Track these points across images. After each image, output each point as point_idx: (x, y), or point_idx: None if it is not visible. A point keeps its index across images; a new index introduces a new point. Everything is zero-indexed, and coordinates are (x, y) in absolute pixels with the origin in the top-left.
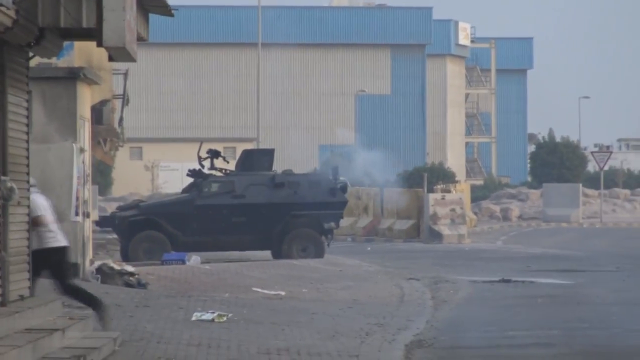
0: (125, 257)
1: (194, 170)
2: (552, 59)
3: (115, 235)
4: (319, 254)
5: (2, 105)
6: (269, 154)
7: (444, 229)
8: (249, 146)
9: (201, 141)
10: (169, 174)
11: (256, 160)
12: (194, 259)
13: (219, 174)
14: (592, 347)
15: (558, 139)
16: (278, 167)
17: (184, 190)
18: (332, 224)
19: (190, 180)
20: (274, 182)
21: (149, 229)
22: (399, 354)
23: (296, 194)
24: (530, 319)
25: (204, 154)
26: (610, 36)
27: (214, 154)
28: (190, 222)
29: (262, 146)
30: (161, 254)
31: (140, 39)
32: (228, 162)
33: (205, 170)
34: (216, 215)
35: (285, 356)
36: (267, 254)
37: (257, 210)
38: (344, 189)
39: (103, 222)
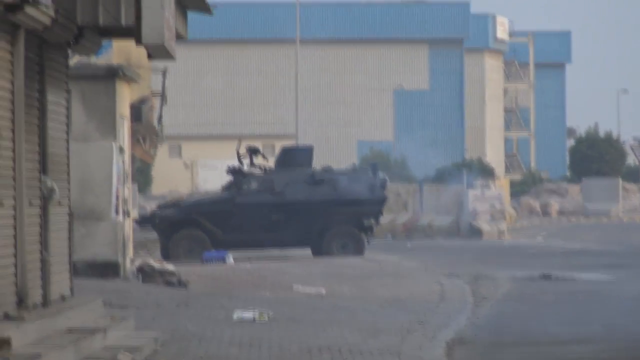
0: (166, 256)
1: (234, 167)
2: (591, 52)
3: (155, 235)
4: (359, 251)
5: (42, 105)
6: (307, 151)
7: (483, 225)
8: (288, 142)
9: (240, 138)
10: (208, 172)
11: (295, 157)
12: (238, 258)
13: (258, 171)
14: (632, 342)
15: (600, 133)
16: (317, 163)
17: (224, 188)
18: (372, 221)
19: (230, 177)
20: (313, 180)
21: (189, 227)
22: (440, 352)
23: (335, 191)
24: (571, 315)
25: (243, 152)
26: None
27: (253, 151)
28: (230, 220)
29: (300, 142)
30: (201, 252)
31: (179, 37)
32: (267, 160)
33: (245, 168)
34: (256, 213)
35: (327, 354)
36: (307, 251)
37: (297, 208)
38: (383, 185)
39: (143, 221)
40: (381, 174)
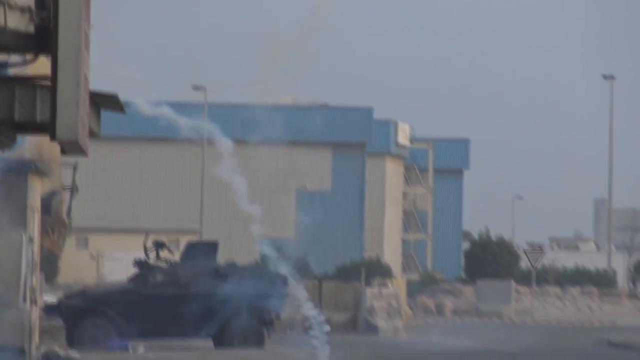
0: (71, 343)
1: (140, 260)
2: (488, 159)
3: (60, 322)
4: (260, 343)
5: None
6: (212, 246)
7: (380, 321)
8: (193, 237)
9: (147, 232)
10: (113, 263)
11: (200, 252)
12: (141, 347)
13: (164, 264)
14: None
15: (492, 237)
16: (220, 258)
17: (130, 280)
18: (274, 315)
19: (136, 269)
20: (217, 274)
21: (94, 316)
22: None
23: (238, 285)
24: None
25: (149, 245)
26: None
27: (159, 245)
28: (134, 310)
29: (205, 237)
30: (106, 340)
31: (91, 134)
32: (173, 254)
33: (151, 261)
34: (160, 304)
35: None
36: (209, 342)
37: (200, 300)
38: (285, 282)
39: (50, 309)
40: (283, 271)
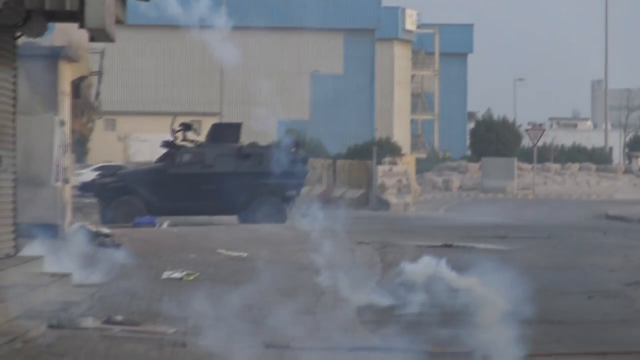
0: (105, 221)
1: (168, 141)
2: (491, 43)
3: (94, 199)
4: (281, 219)
5: None
6: (236, 127)
7: (391, 198)
8: (214, 120)
9: (174, 115)
10: (139, 144)
11: (225, 132)
12: (165, 223)
13: (190, 145)
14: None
15: (495, 118)
16: (241, 139)
17: (158, 160)
18: (294, 192)
19: (164, 150)
20: (241, 153)
21: (126, 194)
22: (351, 313)
23: (261, 164)
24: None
25: (177, 127)
26: (543, 21)
27: (186, 127)
28: (164, 189)
29: (225, 120)
30: (137, 217)
31: (118, 22)
32: (199, 135)
33: (178, 142)
34: (188, 183)
35: (248, 312)
36: (233, 218)
37: (225, 179)
38: (304, 160)
39: (85, 188)
40: (302, 150)
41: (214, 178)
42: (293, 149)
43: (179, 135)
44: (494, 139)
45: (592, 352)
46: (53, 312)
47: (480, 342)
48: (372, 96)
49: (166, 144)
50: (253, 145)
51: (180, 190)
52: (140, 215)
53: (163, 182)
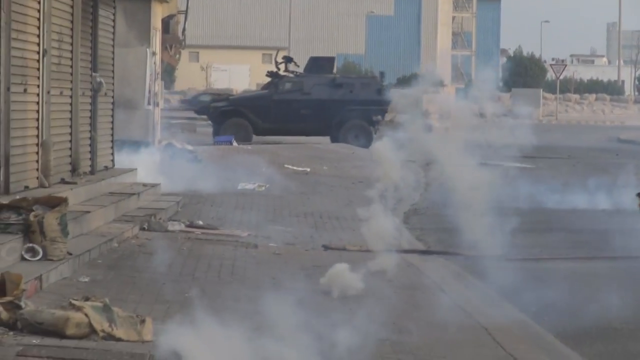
0: (217, 139)
1: (272, 72)
2: None
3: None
4: (368, 140)
5: (95, 18)
6: (330, 60)
7: (434, 122)
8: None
9: (277, 49)
10: (219, 74)
11: (320, 64)
12: (235, 142)
13: (291, 75)
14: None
15: (524, 54)
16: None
17: (263, 88)
18: (379, 117)
19: (269, 79)
20: (334, 83)
21: (236, 117)
22: (398, 219)
23: (351, 92)
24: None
25: (280, 59)
26: None
27: (288, 60)
28: (268, 112)
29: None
30: (246, 136)
31: None
32: (298, 66)
33: (281, 72)
34: (288, 108)
35: (310, 218)
36: (326, 139)
37: (320, 105)
38: (388, 89)
39: (200, 111)
40: (385, 82)
41: (310, 104)
42: (379, 80)
43: (282, 66)
44: (522, 72)
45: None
46: (144, 217)
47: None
48: (418, 34)
49: (270, 74)
50: (345, 76)
51: (281, 114)
52: (248, 135)
53: (267, 107)
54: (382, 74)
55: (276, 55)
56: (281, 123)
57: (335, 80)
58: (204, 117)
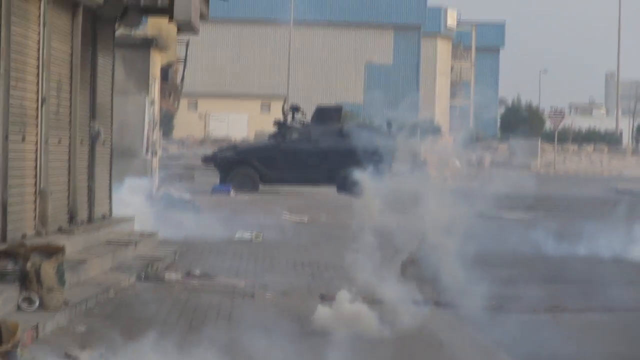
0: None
1: (279, 121)
2: (520, 39)
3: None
4: None
5: (94, 65)
6: (337, 110)
7: (432, 171)
8: (280, 102)
9: (285, 98)
10: (217, 122)
11: (327, 114)
12: (233, 192)
13: (298, 124)
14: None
15: (523, 103)
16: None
17: (270, 137)
18: (386, 167)
19: (275, 128)
20: (341, 132)
21: (243, 166)
22: (396, 269)
23: (358, 142)
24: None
25: (287, 109)
26: (565, 20)
27: (295, 109)
28: (275, 162)
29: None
30: (253, 186)
31: (202, 16)
32: (305, 116)
33: (288, 122)
34: (295, 158)
35: (308, 268)
36: (332, 189)
37: (327, 155)
38: (395, 138)
39: (207, 160)
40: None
41: (317, 154)
42: (387, 129)
43: (289, 115)
44: (520, 121)
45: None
46: (141, 266)
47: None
48: (417, 83)
49: (278, 123)
50: (352, 125)
51: (288, 164)
52: (255, 184)
53: (274, 157)
54: (389, 123)
55: (284, 104)
56: (288, 173)
57: (342, 130)
58: (211, 166)
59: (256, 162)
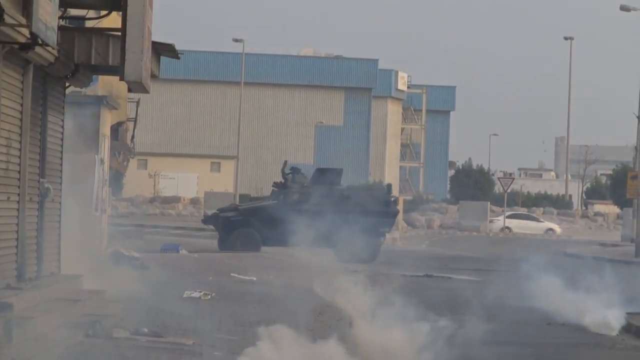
0: (223, 248)
1: (279, 182)
2: (470, 102)
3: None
4: (374, 254)
5: (43, 123)
6: (338, 172)
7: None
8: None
9: (285, 160)
10: (167, 181)
11: (327, 176)
12: (185, 250)
13: (297, 186)
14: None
15: (473, 166)
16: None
17: (270, 198)
18: (386, 229)
19: (275, 190)
20: (342, 195)
21: (244, 227)
22: (345, 330)
23: (359, 205)
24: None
25: (287, 170)
26: (515, 86)
27: (295, 171)
28: (276, 223)
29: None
30: (254, 245)
31: (153, 76)
32: (306, 177)
33: (288, 184)
34: (296, 219)
35: (256, 328)
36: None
37: (327, 217)
38: (395, 201)
39: (207, 220)
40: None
41: (318, 216)
42: (387, 193)
43: (289, 177)
44: (470, 184)
45: None
46: (89, 323)
47: None
48: (367, 145)
49: (277, 185)
50: (353, 187)
51: (289, 225)
52: (255, 244)
53: (275, 218)
54: (389, 185)
55: (284, 166)
56: (288, 234)
57: (343, 192)
58: (211, 227)
59: (257, 222)
